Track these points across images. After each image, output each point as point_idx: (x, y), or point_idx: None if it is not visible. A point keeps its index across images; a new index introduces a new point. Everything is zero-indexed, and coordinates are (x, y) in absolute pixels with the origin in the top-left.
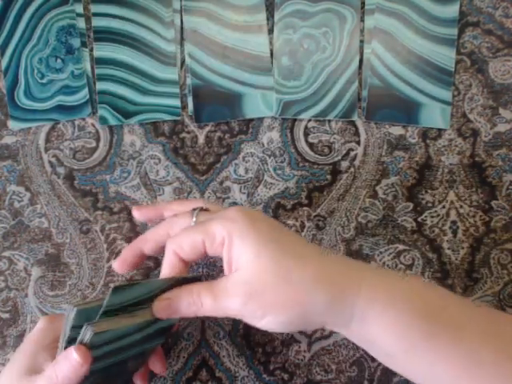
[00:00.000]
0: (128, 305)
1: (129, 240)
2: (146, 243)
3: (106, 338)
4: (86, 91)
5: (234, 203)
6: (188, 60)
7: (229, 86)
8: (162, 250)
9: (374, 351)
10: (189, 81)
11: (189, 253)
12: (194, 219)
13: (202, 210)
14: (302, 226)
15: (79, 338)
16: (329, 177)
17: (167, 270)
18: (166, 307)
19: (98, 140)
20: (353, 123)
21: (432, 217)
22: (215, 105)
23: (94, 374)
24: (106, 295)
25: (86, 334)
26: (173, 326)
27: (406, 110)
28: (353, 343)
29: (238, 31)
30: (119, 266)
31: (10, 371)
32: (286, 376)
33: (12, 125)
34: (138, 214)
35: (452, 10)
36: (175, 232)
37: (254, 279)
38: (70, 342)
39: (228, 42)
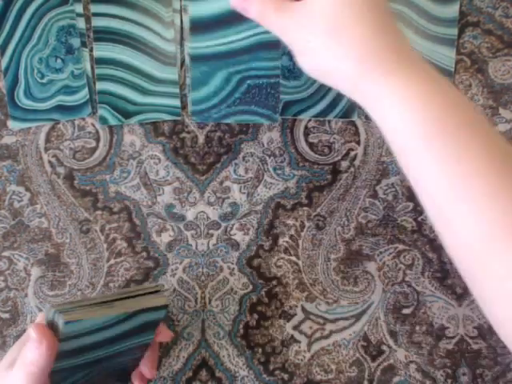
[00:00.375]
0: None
1: (129, 240)
2: None
3: (81, 327)
4: (85, 91)
5: (234, 203)
6: None
7: None
8: None
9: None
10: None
11: None
12: None
13: None
14: (302, 226)
15: (53, 324)
16: (329, 177)
17: None
18: None
19: (97, 140)
20: (353, 123)
21: None
22: None
23: (83, 367)
24: (91, 296)
25: (58, 322)
26: (159, 322)
27: None
28: (352, 343)
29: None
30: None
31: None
32: (285, 376)
33: (12, 125)
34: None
35: (452, 10)
36: None
37: (313, 8)
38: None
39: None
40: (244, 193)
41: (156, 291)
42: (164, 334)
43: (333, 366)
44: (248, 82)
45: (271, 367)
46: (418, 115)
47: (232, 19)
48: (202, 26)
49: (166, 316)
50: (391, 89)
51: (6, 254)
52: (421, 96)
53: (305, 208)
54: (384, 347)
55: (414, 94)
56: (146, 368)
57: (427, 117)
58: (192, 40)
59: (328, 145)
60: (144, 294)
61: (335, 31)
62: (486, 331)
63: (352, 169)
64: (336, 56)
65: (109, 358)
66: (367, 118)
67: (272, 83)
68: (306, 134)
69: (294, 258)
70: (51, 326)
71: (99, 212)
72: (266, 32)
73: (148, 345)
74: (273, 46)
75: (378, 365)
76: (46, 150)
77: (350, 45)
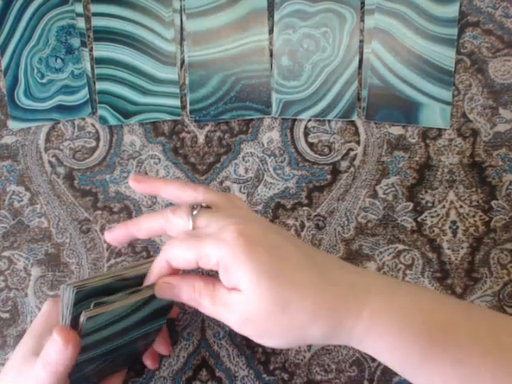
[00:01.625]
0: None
1: None
2: (139, 231)
3: (102, 321)
4: (85, 91)
5: None
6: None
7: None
8: (155, 235)
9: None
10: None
11: (182, 265)
12: (191, 223)
13: (201, 207)
14: (302, 226)
15: (70, 303)
16: (329, 177)
17: (155, 274)
18: (167, 290)
19: (97, 140)
20: (352, 123)
21: (432, 217)
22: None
23: (99, 358)
24: (100, 273)
25: (81, 319)
26: (171, 306)
27: (406, 110)
28: None
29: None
30: (110, 241)
31: (17, 352)
32: (285, 376)
33: (12, 125)
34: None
35: (452, 10)
36: (171, 230)
37: (252, 306)
38: (73, 320)
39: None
40: (244, 193)
41: None
42: (163, 347)
43: (333, 366)
44: (242, 82)
45: (271, 367)
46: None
47: (227, 32)
48: (199, 39)
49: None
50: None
51: (5, 253)
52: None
53: (305, 208)
54: None
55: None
56: (162, 347)
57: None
58: (190, 50)
59: (328, 145)
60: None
61: (282, 309)
62: None
63: (352, 169)
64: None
65: (124, 345)
66: (367, 118)
67: (263, 82)
68: (306, 133)
69: None
70: (67, 306)
71: (99, 212)
72: (257, 40)
73: (160, 329)
74: (262, 52)
75: (379, 365)
76: (46, 149)
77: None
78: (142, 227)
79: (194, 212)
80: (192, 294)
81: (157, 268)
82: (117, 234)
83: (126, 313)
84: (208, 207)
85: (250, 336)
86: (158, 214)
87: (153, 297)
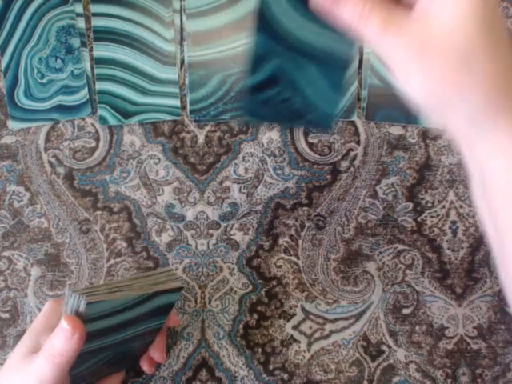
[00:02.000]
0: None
1: (128, 240)
2: None
3: (102, 309)
4: (85, 91)
5: (234, 203)
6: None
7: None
8: None
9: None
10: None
11: None
12: None
13: None
14: (302, 226)
15: (74, 308)
16: (329, 177)
17: None
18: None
19: (97, 140)
20: (352, 123)
21: (432, 217)
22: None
23: (96, 353)
24: (107, 281)
25: (80, 303)
26: (173, 305)
27: (406, 110)
28: (352, 343)
29: None
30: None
31: (15, 352)
32: (285, 376)
33: (12, 125)
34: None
35: None
36: None
37: (451, 37)
38: None
39: None
40: (244, 193)
41: (169, 275)
42: (173, 320)
43: (332, 366)
44: (242, 82)
45: (271, 367)
46: None
47: (227, 32)
48: (199, 39)
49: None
50: None
51: (5, 253)
52: None
53: (305, 208)
54: (384, 347)
55: None
56: (156, 352)
57: None
58: (190, 50)
59: (328, 145)
60: (158, 277)
61: (466, 61)
62: (485, 331)
63: (352, 169)
64: (463, 83)
65: (122, 343)
66: (367, 118)
67: None
68: (306, 133)
69: (293, 258)
70: (71, 311)
71: (99, 212)
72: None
73: (159, 330)
74: None
75: (378, 365)
76: (46, 149)
77: (481, 78)
78: None
79: None
80: (358, 11)
81: None
82: None
83: (127, 306)
84: None
85: (411, 73)
86: None
87: (156, 294)
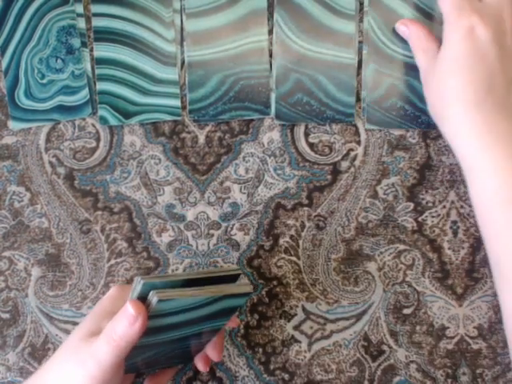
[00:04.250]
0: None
1: (129, 240)
2: None
3: (172, 306)
4: (86, 91)
5: (235, 203)
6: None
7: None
8: None
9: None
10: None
11: None
12: None
13: None
14: (302, 226)
15: (141, 295)
16: (329, 177)
17: None
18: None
19: (98, 140)
20: (353, 123)
21: (432, 217)
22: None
23: (157, 347)
24: (171, 273)
25: (152, 299)
26: (238, 309)
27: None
28: (353, 343)
29: None
30: None
31: (74, 334)
32: (286, 376)
33: (12, 125)
34: None
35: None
36: None
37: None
38: None
39: None
40: (244, 193)
41: (237, 274)
42: (234, 321)
43: (333, 366)
44: (241, 82)
45: (272, 367)
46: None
47: (226, 32)
48: (199, 38)
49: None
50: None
51: (6, 254)
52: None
53: (305, 208)
54: (384, 347)
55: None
56: (214, 351)
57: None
58: (189, 50)
59: (328, 145)
60: (225, 277)
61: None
62: (486, 331)
63: (352, 169)
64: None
65: (182, 339)
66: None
67: (262, 82)
68: (307, 134)
69: (294, 258)
70: (140, 299)
71: (99, 212)
72: (257, 41)
73: (219, 330)
74: (261, 52)
75: (379, 365)
76: (47, 150)
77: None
78: None
79: None
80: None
81: None
82: None
83: (195, 305)
84: None
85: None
86: None
87: (226, 296)
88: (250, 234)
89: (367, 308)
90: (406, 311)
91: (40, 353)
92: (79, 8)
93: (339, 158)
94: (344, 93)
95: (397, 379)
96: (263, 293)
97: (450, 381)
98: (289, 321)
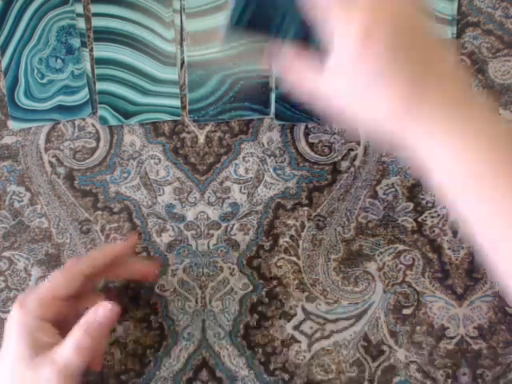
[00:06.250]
0: None
1: None
2: None
3: None
4: (86, 91)
5: (235, 203)
6: None
7: None
8: None
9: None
10: None
11: None
12: None
13: None
14: (302, 226)
15: None
16: (329, 177)
17: None
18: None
19: (98, 140)
20: None
21: (432, 217)
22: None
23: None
24: None
25: None
26: None
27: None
28: (353, 343)
29: None
30: None
31: (4, 361)
32: (286, 376)
33: (12, 125)
34: None
35: (450, 8)
36: None
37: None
38: None
39: None
40: (244, 193)
41: None
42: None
43: (333, 366)
44: (241, 82)
45: (272, 367)
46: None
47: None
48: (199, 38)
49: None
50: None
51: (6, 254)
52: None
53: (305, 208)
54: (384, 347)
55: (464, 134)
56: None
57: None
58: (189, 49)
59: (328, 145)
60: None
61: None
62: (486, 331)
63: (352, 169)
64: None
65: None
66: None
67: (262, 82)
68: (306, 134)
69: (294, 258)
70: None
71: (99, 212)
72: (256, 40)
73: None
74: (260, 52)
75: (379, 365)
76: (46, 150)
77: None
78: None
79: None
80: None
81: None
82: None
83: None
84: None
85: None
86: None
87: None
88: (250, 234)
89: (367, 308)
90: (406, 311)
91: None
92: (79, 8)
93: (339, 157)
94: None
95: (397, 379)
96: (263, 293)
97: (450, 381)
98: (289, 321)
